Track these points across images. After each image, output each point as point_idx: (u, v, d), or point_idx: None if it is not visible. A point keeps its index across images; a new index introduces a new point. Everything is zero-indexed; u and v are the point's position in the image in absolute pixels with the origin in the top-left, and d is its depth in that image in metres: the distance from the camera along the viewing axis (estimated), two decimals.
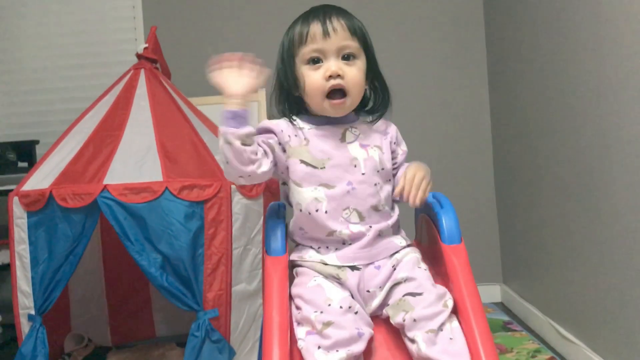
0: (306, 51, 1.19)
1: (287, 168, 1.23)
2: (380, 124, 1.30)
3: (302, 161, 1.21)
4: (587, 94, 1.93)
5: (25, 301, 1.99)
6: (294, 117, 1.26)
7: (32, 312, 1.97)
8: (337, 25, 1.18)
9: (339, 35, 1.18)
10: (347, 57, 1.19)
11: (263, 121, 1.26)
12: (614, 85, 1.75)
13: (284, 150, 1.24)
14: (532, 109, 2.45)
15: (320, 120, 1.25)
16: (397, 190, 1.19)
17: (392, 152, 1.29)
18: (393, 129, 1.31)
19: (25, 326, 2.00)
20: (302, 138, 1.22)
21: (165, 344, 2.51)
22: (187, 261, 1.90)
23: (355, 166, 1.20)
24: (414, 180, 1.17)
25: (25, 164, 2.81)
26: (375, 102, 1.29)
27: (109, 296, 2.57)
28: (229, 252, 1.98)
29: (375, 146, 1.24)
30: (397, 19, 3.05)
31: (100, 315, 2.55)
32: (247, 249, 2.07)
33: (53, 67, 3.19)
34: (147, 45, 2.33)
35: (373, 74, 1.27)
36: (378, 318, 1.16)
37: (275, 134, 1.23)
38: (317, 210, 1.18)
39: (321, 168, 1.19)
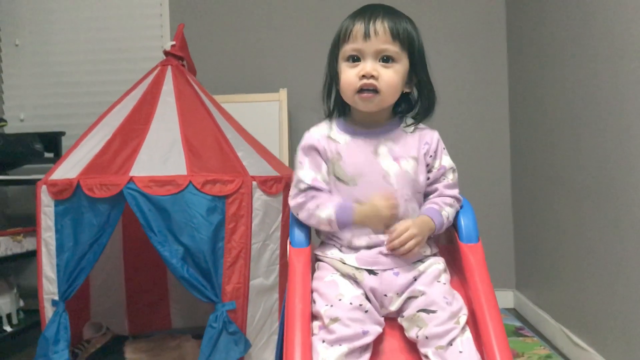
0: (347, 49, 1.21)
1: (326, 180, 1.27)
2: (424, 134, 1.28)
3: (337, 177, 1.24)
4: (606, 100, 1.95)
5: (49, 287, 2.05)
6: (332, 123, 1.30)
7: (56, 297, 2.03)
8: (380, 28, 1.19)
9: (380, 38, 1.19)
10: (385, 60, 1.21)
11: (305, 140, 1.29)
12: (634, 91, 1.77)
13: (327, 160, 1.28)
14: (551, 115, 2.47)
15: (356, 130, 1.27)
16: (387, 239, 1.19)
17: (427, 164, 1.27)
18: (435, 141, 1.29)
19: (48, 311, 2.05)
20: (335, 153, 1.25)
21: (181, 336, 2.56)
22: (207, 254, 1.95)
23: (386, 181, 1.22)
24: (402, 236, 1.17)
25: (51, 155, 2.88)
26: (418, 107, 1.29)
27: (128, 287, 2.63)
28: (248, 246, 2.03)
29: (410, 157, 1.24)
30: (418, 21, 3.08)
31: (118, 305, 2.61)
32: (265, 244, 2.11)
33: (81, 62, 3.27)
34: (174, 42, 2.38)
35: (418, 78, 1.27)
36: (395, 321, 1.18)
37: (318, 151, 1.27)
38: None
39: (353, 185, 1.22)
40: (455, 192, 1.28)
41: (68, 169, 2.07)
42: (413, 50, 1.24)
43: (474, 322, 1.12)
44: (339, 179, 1.24)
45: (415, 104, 1.29)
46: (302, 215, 1.24)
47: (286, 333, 1.07)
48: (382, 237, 1.20)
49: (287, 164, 2.74)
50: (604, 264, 2.00)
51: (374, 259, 1.19)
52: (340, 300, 1.12)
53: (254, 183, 2.05)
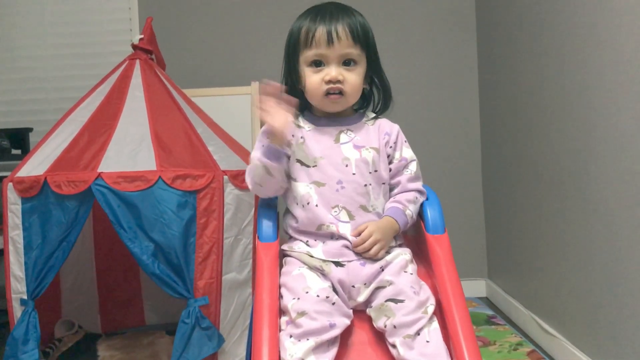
0: (309, 54, 1.26)
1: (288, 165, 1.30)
2: (384, 125, 1.34)
3: (297, 160, 1.28)
4: (573, 91, 1.98)
5: (17, 286, 2.02)
6: (298, 114, 1.34)
7: (25, 296, 2.00)
8: (342, 33, 1.24)
9: (342, 43, 1.23)
10: (347, 63, 1.26)
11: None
12: (599, 82, 1.80)
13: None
14: (521, 107, 2.50)
15: (320, 120, 1.32)
16: (354, 242, 1.22)
17: (388, 155, 1.31)
18: (394, 132, 1.33)
19: (17, 310, 2.02)
20: (299, 137, 1.29)
21: (154, 332, 2.55)
22: (178, 249, 1.94)
23: (346, 166, 1.26)
24: (365, 242, 1.20)
25: (18, 152, 2.83)
26: (375, 101, 1.35)
27: (100, 284, 2.60)
28: (220, 241, 2.02)
29: (371, 148, 1.29)
30: (387, 10, 3.09)
31: (90, 303, 2.58)
32: (237, 239, 2.11)
33: (47, 56, 3.21)
34: (142, 36, 2.35)
35: (373, 73, 1.33)
36: (364, 314, 1.20)
37: None
38: (309, 203, 1.24)
39: (313, 166, 1.26)
40: (418, 184, 1.30)
41: (35, 166, 2.04)
42: (370, 49, 1.30)
43: (440, 313, 1.14)
44: (299, 161, 1.28)
45: (370, 98, 1.36)
46: (248, 179, 1.28)
47: (254, 329, 1.07)
48: (348, 237, 1.22)
49: None
50: (573, 253, 2.03)
51: (340, 251, 1.21)
52: (307, 293, 1.13)
53: (225, 177, 2.04)
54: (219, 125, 2.37)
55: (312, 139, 1.29)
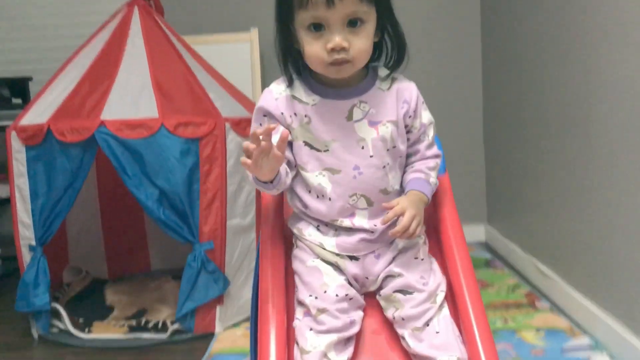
0: (306, 17, 1.02)
1: (292, 151, 1.12)
2: (402, 90, 1.13)
3: (306, 143, 1.10)
4: (575, 34, 1.97)
5: (25, 232, 2.06)
6: (296, 80, 1.11)
7: (33, 242, 2.04)
8: None
9: (345, 2, 0.99)
10: (353, 23, 1.03)
11: (261, 101, 1.12)
12: (602, 26, 1.79)
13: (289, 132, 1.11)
14: (523, 50, 2.49)
15: (326, 91, 1.10)
16: (391, 232, 1.08)
17: (406, 126, 1.13)
18: (413, 98, 1.13)
19: (26, 256, 2.07)
20: (302, 115, 1.09)
21: (160, 277, 2.60)
22: (183, 196, 1.97)
23: (362, 148, 1.09)
24: (411, 225, 1.06)
25: (19, 101, 2.83)
26: (388, 56, 1.13)
27: (105, 232, 2.64)
28: (223, 188, 2.05)
29: (388, 122, 1.10)
30: None
31: (97, 250, 2.63)
32: (241, 186, 2.13)
33: (46, 4, 3.16)
34: None
35: (385, 23, 1.10)
36: (374, 299, 1.13)
37: (275, 117, 1.10)
38: (323, 195, 1.10)
39: (325, 151, 1.09)
40: (435, 149, 1.17)
41: (38, 114, 2.05)
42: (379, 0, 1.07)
43: (441, 253, 1.17)
44: (307, 144, 1.10)
45: (382, 50, 1.13)
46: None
47: (261, 260, 1.09)
48: (366, 225, 1.10)
49: None
50: (573, 198, 2.06)
51: (355, 246, 1.10)
52: (325, 292, 1.07)
53: (227, 124, 2.05)
54: (219, 73, 2.36)
55: (319, 118, 1.09)
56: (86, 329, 2.10)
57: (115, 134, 1.91)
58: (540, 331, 1.94)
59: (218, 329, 2.06)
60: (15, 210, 2.07)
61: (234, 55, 2.79)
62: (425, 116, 1.15)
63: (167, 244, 2.68)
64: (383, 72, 1.13)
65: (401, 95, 1.12)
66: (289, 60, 1.10)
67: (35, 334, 2.12)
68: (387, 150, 1.10)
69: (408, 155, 1.15)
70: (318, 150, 1.09)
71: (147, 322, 2.13)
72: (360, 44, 1.03)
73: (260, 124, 1.09)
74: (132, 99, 1.99)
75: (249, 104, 2.29)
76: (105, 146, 1.91)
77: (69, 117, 1.97)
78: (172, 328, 2.05)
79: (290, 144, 1.11)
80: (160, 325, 2.10)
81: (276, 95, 1.10)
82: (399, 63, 1.12)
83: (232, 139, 2.07)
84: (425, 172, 1.14)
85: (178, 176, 1.96)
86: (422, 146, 1.15)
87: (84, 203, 2.51)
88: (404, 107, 1.11)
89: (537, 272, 2.37)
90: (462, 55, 3.10)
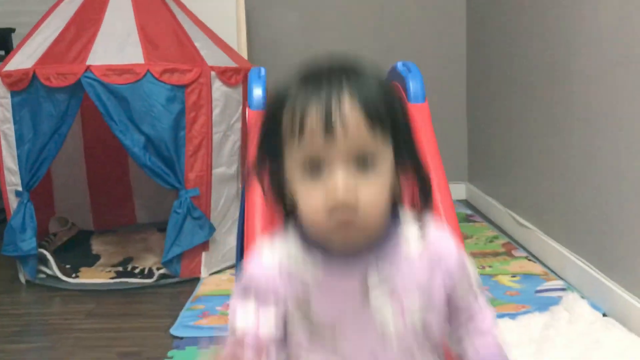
0: (299, 155, 0.71)
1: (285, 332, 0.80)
2: (436, 251, 0.79)
3: (303, 320, 0.78)
4: (555, 11, 2.01)
5: (12, 178, 2.07)
6: (291, 242, 0.78)
7: (19, 188, 2.05)
8: (349, 115, 0.68)
9: (350, 134, 0.68)
10: (363, 160, 0.70)
11: (252, 273, 0.79)
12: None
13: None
14: (505, 14, 2.52)
15: (330, 259, 0.76)
16: None
17: (447, 293, 0.80)
18: (452, 256, 0.79)
19: (13, 202, 2.09)
20: (297, 288, 0.78)
21: (146, 230, 2.64)
22: (169, 142, 1.99)
23: (382, 334, 0.77)
24: None
25: (2, 53, 2.80)
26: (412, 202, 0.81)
27: (91, 183, 2.65)
28: (209, 136, 2.07)
29: (417, 297, 0.78)
30: None
31: (82, 202, 2.65)
32: (226, 135, 2.16)
33: None
34: None
35: (405, 159, 0.76)
36: None
37: (270, 295, 0.78)
38: None
39: (331, 342, 0.78)
40: (483, 299, 0.84)
41: (23, 60, 2.04)
42: (396, 128, 0.73)
43: None
44: (306, 320, 0.78)
45: (400, 193, 0.79)
46: None
47: (247, 195, 1.12)
48: None
49: None
50: (549, 154, 2.12)
51: None
52: None
53: (213, 73, 2.07)
54: (204, 24, 2.36)
55: (322, 295, 0.77)
56: (73, 275, 2.13)
57: (102, 79, 1.92)
58: (516, 276, 2.01)
59: (203, 274, 2.11)
60: (1, 156, 2.08)
61: (218, 11, 2.78)
62: (472, 272, 0.82)
63: (152, 197, 2.70)
64: (408, 219, 0.80)
65: (436, 260, 0.79)
66: (285, 203, 0.78)
67: (22, 279, 2.15)
68: (418, 338, 0.79)
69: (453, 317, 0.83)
70: (321, 335, 0.78)
71: (133, 268, 2.17)
72: (371, 194, 0.71)
73: (248, 300, 0.78)
74: (118, 45, 2.00)
75: (234, 55, 2.30)
76: (91, 91, 1.92)
77: (54, 62, 1.97)
78: (158, 273, 2.09)
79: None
80: (146, 271, 2.14)
81: (269, 274, 0.79)
82: (426, 202, 0.80)
83: (218, 88, 2.09)
84: (495, 338, 0.83)
85: (164, 123, 1.98)
86: (474, 307, 0.83)
87: (70, 156, 2.51)
88: (437, 271, 0.79)
89: (515, 224, 2.44)
90: (446, 13, 3.12)
